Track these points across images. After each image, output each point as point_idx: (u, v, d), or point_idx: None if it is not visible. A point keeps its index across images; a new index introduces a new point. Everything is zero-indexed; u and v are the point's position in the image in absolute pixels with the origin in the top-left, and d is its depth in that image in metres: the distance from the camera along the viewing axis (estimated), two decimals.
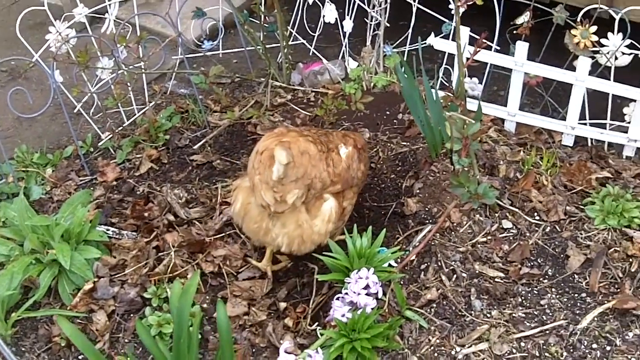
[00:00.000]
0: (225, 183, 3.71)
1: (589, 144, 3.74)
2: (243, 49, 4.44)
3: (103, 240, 3.37)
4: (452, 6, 3.92)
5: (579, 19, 3.55)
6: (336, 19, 4.35)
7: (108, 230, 3.51)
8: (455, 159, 2.95)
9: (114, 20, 4.01)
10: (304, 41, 4.66)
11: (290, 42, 4.44)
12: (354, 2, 4.32)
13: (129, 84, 4.03)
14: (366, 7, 4.26)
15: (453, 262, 3.21)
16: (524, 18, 3.71)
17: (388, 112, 4.06)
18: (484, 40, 3.20)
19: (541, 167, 3.58)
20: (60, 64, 3.75)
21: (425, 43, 3.92)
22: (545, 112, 3.89)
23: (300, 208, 3.04)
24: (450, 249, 3.26)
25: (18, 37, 3.74)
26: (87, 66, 3.70)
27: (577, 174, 3.53)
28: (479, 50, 3.14)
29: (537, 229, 3.34)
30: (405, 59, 4.23)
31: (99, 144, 4.08)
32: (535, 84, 3.74)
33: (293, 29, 4.68)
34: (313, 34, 4.61)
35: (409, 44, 4.31)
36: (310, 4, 4.48)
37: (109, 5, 4.00)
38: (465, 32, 3.61)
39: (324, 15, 4.40)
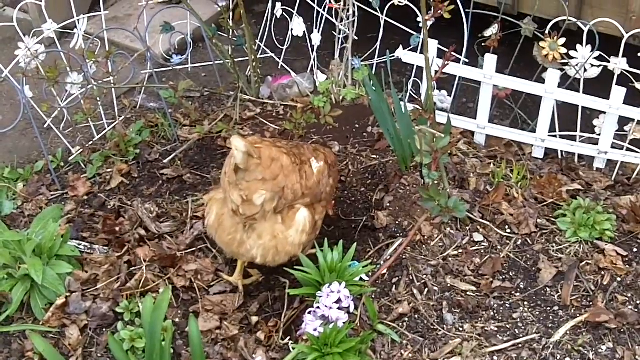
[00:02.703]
0: (196, 197, 3.70)
1: (560, 156, 3.78)
2: (212, 63, 4.44)
3: (75, 255, 3.35)
4: (420, 19, 3.95)
5: (547, 31, 3.59)
6: (304, 32, 4.37)
7: (79, 245, 3.49)
8: (425, 172, 2.97)
9: (83, 35, 3.99)
10: (273, 54, 4.66)
11: (258, 56, 4.45)
12: (322, 15, 4.33)
13: (98, 98, 4.01)
14: (334, 21, 4.28)
15: (424, 276, 3.23)
16: (492, 30, 3.74)
17: (357, 125, 4.07)
18: (453, 53, 3.22)
19: (512, 179, 3.62)
20: (30, 79, 3.72)
21: (393, 56, 3.95)
22: (515, 124, 3.92)
23: (275, 218, 3.04)
24: (422, 263, 3.28)
25: None
26: (56, 81, 3.67)
27: (547, 187, 3.56)
28: (447, 64, 3.16)
29: (508, 242, 3.38)
30: (374, 71, 4.25)
31: (70, 158, 4.06)
32: (504, 97, 3.77)
33: (261, 43, 4.68)
34: (281, 48, 4.62)
35: (378, 57, 4.33)
36: (279, 17, 4.48)
37: (78, 20, 3.97)
38: (433, 44, 3.63)
39: (292, 29, 4.41)
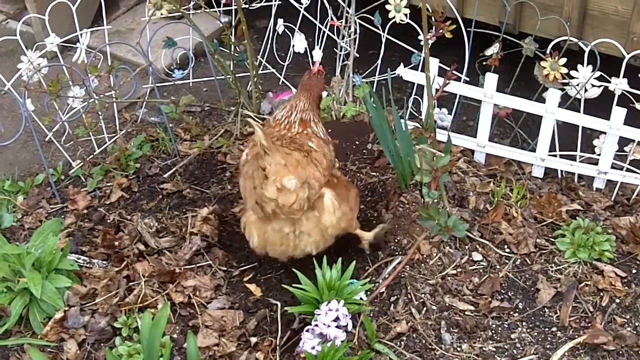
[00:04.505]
0: (195, 213, 3.70)
1: (559, 176, 3.78)
2: (213, 78, 4.44)
3: (74, 269, 3.35)
4: (421, 37, 3.96)
5: (548, 51, 3.60)
6: (306, 48, 4.38)
7: (79, 259, 3.49)
8: (425, 191, 2.97)
9: (85, 49, 4.00)
10: (274, 70, 4.67)
11: (260, 71, 4.46)
12: (324, 32, 4.34)
13: (99, 112, 4.02)
14: (335, 38, 4.30)
15: (423, 295, 3.23)
16: (493, 49, 3.76)
17: (357, 142, 4.08)
18: (454, 72, 3.23)
19: (511, 198, 3.62)
20: (32, 93, 3.73)
21: (394, 73, 3.96)
22: (515, 143, 3.93)
23: (313, 213, 3.18)
24: (420, 281, 3.28)
25: None
26: (58, 95, 3.69)
27: (547, 206, 3.57)
28: (448, 82, 3.17)
29: (507, 261, 3.38)
30: (374, 89, 4.26)
31: (70, 172, 4.06)
32: (504, 115, 3.78)
33: (263, 58, 4.69)
34: (283, 63, 4.63)
35: (378, 74, 4.34)
36: (280, 33, 4.50)
37: (81, 34, 3.98)
38: (434, 63, 3.65)
39: (293, 45, 4.42)
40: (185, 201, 3.85)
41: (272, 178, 2.99)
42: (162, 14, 4.19)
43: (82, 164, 4.08)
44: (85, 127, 3.98)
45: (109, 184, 3.96)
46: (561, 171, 3.78)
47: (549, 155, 3.71)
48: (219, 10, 4.39)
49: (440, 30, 3.00)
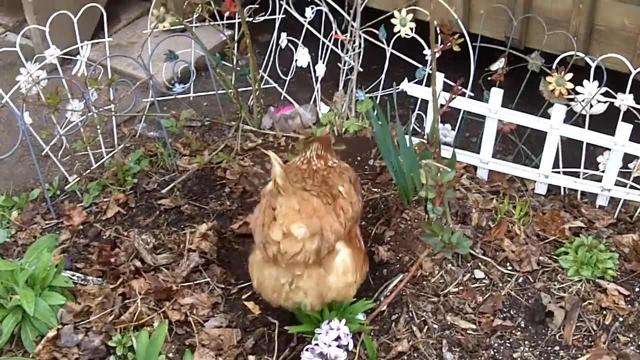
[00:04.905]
0: (193, 229, 3.64)
1: (562, 193, 3.72)
2: (214, 93, 4.39)
3: (68, 286, 3.28)
4: (426, 51, 3.92)
5: (554, 66, 3.55)
6: (309, 63, 4.33)
7: (73, 275, 3.42)
8: (429, 207, 2.91)
9: (85, 62, 3.95)
10: (276, 85, 4.61)
11: (261, 86, 4.40)
12: (327, 46, 4.29)
13: (98, 126, 3.97)
14: (339, 52, 4.25)
15: (424, 313, 3.17)
16: (498, 64, 3.71)
17: (359, 158, 4.02)
18: (458, 87, 3.18)
19: (514, 216, 3.56)
20: (30, 106, 3.68)
21: (398, 89, 3.91)
22: (518, 159, 3.87)
23: (318, 271, 2.92)
24: (422, 299, 3.22)
25: None
26: (57, 108, 3.64)
27: (550, 224, 3.51)
28: (454, 97, 3.11)
29: (509, 279, 3.32)
30: (377, 104, 4.20)
31: (66, 187, 4.00)
32: (508, 131, 3.73)
33: (265, 73, 4.64)
34: (285, 78, 4.57)
35: (382, 90, 4.28)
36: (283, 47, 4.45)
37: (81, 46, 3.94)
38: (439, 77, 3.60)
39: (296, 59, 4.37)
40: (184, 217, 3.79)
41: (280, 221, 2.78)
42: (164, 27, 4.13)
43: (78, 178, 4.02)
44: (84, 141, 3.92)
45: (105, 200, 3.91)
46: (564, 188, 3.72)
47: (552, 171, 3.64)
48: (222, 24, 4.34)
49: (448, 44, 2.94)
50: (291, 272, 2.90)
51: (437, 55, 3.16)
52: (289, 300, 2.99)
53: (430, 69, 3.82)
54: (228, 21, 4.53)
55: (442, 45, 2.99)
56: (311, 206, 2.86)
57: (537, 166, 3.69)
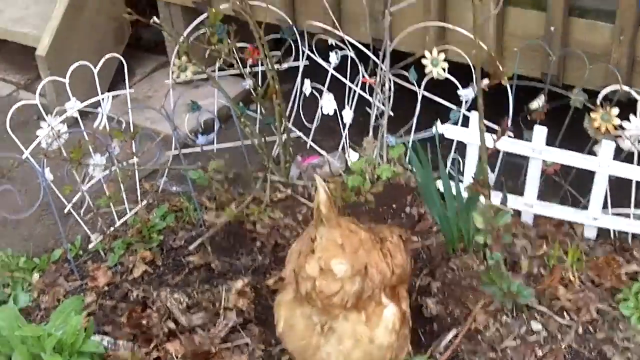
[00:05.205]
0: (228, 286, 3.44)
1: (612, 236, 3.54)
2: (239, 143, 4.20)
3: (99, 351, 3.08)
4: (460, 92, 3.77)
5: (598, 102, 3.40)
6: (335, 109, 4.17)
7: (102, 340, 3.21)
8: (488, 254, 2.72)
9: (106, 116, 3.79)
10: (301, 134, 4.44)
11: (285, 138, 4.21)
12: (354, 91, 4.14)
13: (122, 182, 3.80)
14: (367, 97, 4.09)
15: None
16: (538, 102, 3.56)
17: (394, 206, 3.84)
18: (496, 127, 3.02)
19: (566, 262, 3.37)
20: (51, 161, 3.51)
21: (430, 132, 3.75)
22: (564, 201, 3.68)
23: (358, 317, 2.63)
24: (479, 355, 3.02)
25: None
26: (80, 163, 3.47)
27: (605, 269, 3.32)
28: (503, 134, 2.95)
29: (568, 330, 3.12)
30: (411, 148, 4.04)
31: (89, 246, 3.81)
32: (552, 172, 3.56)
33: (288, 122, 4.47)
34: (309, 126, 4.40)
35: (413, 134, 4.10)
36: (307, 95, 4.30)
37: (102, 99, 3.78)
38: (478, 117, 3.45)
39: (321, 106, 4.22)
40: (214, 274, 3.60)
41: (318, 254, 2.53)
42: (186, 77, 3.98)
43: (102, 237, 3.83)
44: (109, 196, 3.74)
45: (131, 258, 3.72)
46: (614, 230, 3.54)
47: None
48: (247, 71, 4.20)
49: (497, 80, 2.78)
50: (327, 313, 2.62)
51: (471, 96, 3.00)
52: (317, 352, 2.69)
53: (467, 110, 3.70)
54: (252, 67, 4.37)
55: (491, 80, 2.83)
56: (358, 239, 2.62)
57: (584, 208, 3.52)
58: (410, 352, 2.90)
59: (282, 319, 2.79)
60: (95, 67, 3.70)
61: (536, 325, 3.13)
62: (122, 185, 3.86)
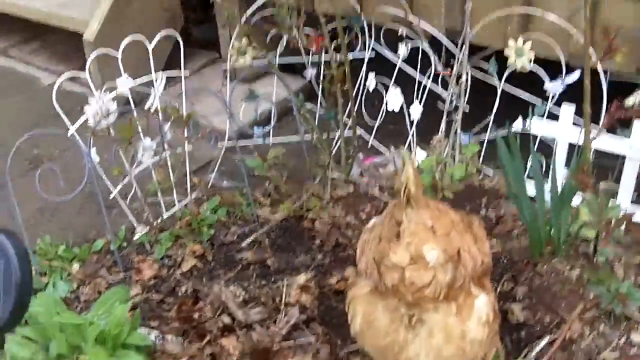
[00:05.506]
0: (289, 281, 3.12)
1: None
2: (297, 138, 3.89)
3: (146, 344, 2.76)
4: (547, 85, 3.46)
5: None
6: (402, 105, 3.87)
7: (149, 334, 2.90)
8: (598, 250, 2.39)
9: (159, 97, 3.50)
10: (362, 131, 4.13)
11: (346, 134, 3.90)
12: (424, 85, 3.83)
13: (171, 169, 3.51)
14: (440, 91, 3.79)
15: None
16: (634, 98, 3.23)
17: (468, 208, 3.51)
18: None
19: None
20: (98, 143, 3.23)
21: (509, 130, 3.43)
22: None
23: (448, 309, 2.29)
24: None
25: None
26: (130, 142, 3.19)
27: None
28: (616, 116, 2.63)
29: None
30: (485, 149, 3.73)
31: (134, 238, 3.52)
32: None
33: (349, 119, 4.16)
34: (372, 124, 4.09)
35: (489, 132, 3.77)
36: (371, 91, 4.00)
37: (155, 79, 3.50)
38: (571, 110, 3.15)
39: (386, 102, 3.91)
40: (270, 271, 3.29)
41: (406, 240, 2.19)
42: (245, 62, 3.69)
43: (148, 229, 3.53)
44: (158, 181, 3.44)
45: (179, 252, 3.41)
46: None
47: None
48: (307, 60, 3.92)
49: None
50: (417, 308, 2.28)
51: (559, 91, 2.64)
52: (404, 349, 2.33)
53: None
54: (315, 56, 4.08)
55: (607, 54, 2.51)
56: (449, 220, 2.29)
57: None
58: (499, 349, 2.56)
59: (360, 315, 2.42)
60: (153, 42, 3.43)
61: (637, 337, 2.78)
62: (171, 174, 3.56)
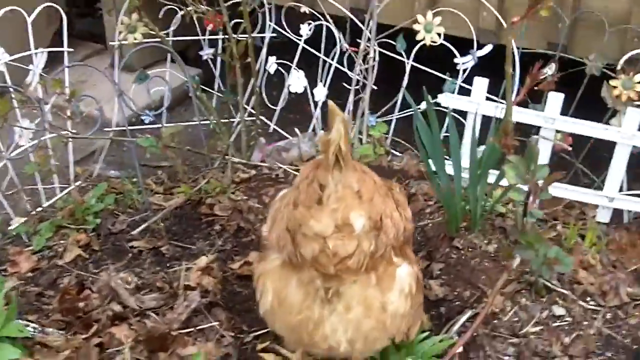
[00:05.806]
0: (188, 265, 2.84)
1: (626, 219, 3.10)
2: (196, 122, 3.59)
3: (23, 335, 2.43)
4: (457, 60, 3.32)
5: (619, 67, 2.99)
6: (305, 87, 3.66)
7: (27, 326, 2.55)
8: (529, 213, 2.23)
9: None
10: (263, 118, 3.88)
11: (246, 118, 3.65)
12: (329, 65, 3.63)
13: (51, 152, 3.18)
14: (345, 69, 3.60)
15: (506, 357, 2.46)
16: (548, 70, 3.12)
17: None
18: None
19: (584, 244, 2.91)
20: None
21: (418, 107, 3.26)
22: (574, 181, 3.23)
23: (368, 279, 2.06)
24: (499, 341, 2.51)
25: None
26: (5, 119, 2.85)
27: (630, 251, 2.87)
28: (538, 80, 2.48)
29: (595, 315, 2.64)
30: (393, 128, 3.56)
31: (9, 228, 3.15)
32: (561, 150, 3.11)
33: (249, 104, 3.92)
34: (273, 107, 3.86)
35: (398, 111, 3.59)
36: (272, 73, 3.77)
37: (35, 54, 3.18)
38: (484, 83, 3.00)
39: (289, 85, 3.70)
40: (165, 259, 3.00)
41: (332, 206, 1.95)
42: (135, 39, 3.39)
43: (25, 219, 3.18)
44: (37, 163, 3.10)
45: (61, 242, 3.08)
46: (628, 212, 3.10)
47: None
48: (204, 39, 3.65)
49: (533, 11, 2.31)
50: (336, 281, 2.04)
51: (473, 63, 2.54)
52: (320, 326, 2.10)
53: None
54: (212, 37, 3.84)
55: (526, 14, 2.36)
56: (372, 182, 2.05)
57: (598, 189, 3.08)
58: (424, 321, 2.36)
59: (270, 292, 2.17)
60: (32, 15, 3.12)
61: (559, 310, 2.65)
62: (52, 158, 3.23)
